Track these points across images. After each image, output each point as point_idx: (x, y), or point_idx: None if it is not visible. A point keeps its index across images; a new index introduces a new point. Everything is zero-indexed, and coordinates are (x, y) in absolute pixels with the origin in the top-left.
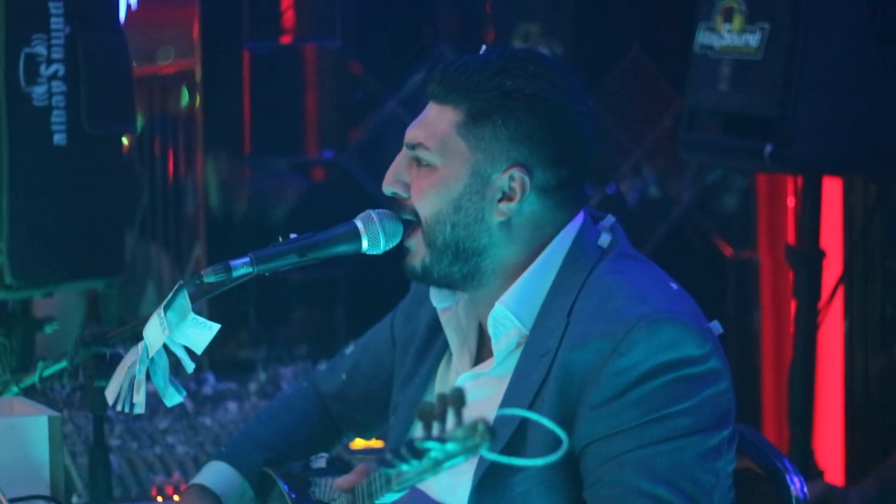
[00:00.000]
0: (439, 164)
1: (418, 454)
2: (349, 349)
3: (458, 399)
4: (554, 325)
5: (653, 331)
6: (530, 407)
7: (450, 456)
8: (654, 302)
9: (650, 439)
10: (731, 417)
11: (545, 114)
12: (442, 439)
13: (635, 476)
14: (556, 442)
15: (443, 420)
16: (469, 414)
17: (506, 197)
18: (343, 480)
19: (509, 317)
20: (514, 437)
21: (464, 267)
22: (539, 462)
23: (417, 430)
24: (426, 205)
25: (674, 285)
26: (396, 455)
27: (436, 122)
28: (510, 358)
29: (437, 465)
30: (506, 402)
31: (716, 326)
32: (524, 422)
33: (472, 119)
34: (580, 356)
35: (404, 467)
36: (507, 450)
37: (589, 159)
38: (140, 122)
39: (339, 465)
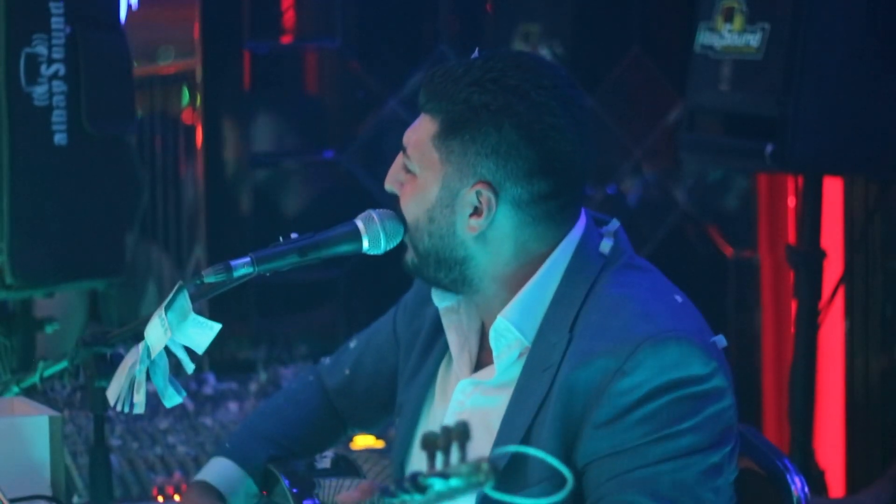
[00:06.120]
0: (418, 174)
1: (422, 489)
2: (352, 343)
3: (462, 433)
4: (557, 340)
5: (658, 350)
6: (533, 422)
7: (453, 491)
8: (660, 319)
9: (653, 458)
10: (733, 433)
11: (513, 130)
12: (446, 475)
13: (638, 494)
14: (560, 476)
15: (447, 452)
16: (472, 425)
17: (476, 212)
18: (347, 496)
19: (511, 330)
20: (514, 459)
21: (449, 274)
22: (543, 502)
23: (421, 459)
24: (407, 212)
25: (678, 297)
26: (400, 486)
27: (418, 130)
28: (512, 367)
29: (439, 499)
30: (509, 416)
31: (720, 340)
32: (526, 439)
33: (446, 131)
34: (584, 374)
35: (406, 498)
36: (511, 468)
37: (573, 171)
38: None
39: (344, 465)
